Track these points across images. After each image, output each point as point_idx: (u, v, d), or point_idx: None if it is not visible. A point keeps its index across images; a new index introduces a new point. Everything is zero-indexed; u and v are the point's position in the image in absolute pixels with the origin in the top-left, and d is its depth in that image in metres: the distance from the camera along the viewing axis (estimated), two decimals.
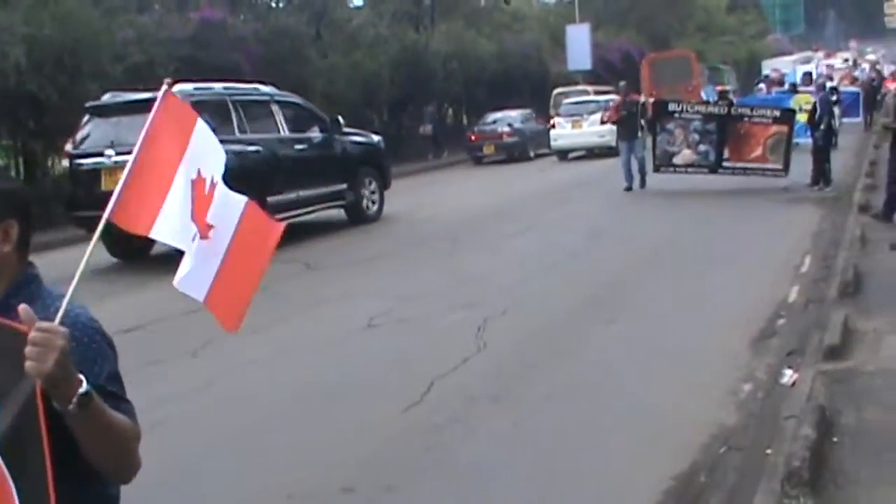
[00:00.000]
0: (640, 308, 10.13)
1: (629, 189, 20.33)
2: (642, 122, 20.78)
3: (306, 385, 7.95)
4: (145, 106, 10.36)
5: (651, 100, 22.15)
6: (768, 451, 5.79)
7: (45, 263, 2.61)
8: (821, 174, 18.97)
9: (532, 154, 33.70)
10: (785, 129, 19.22)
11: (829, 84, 27.65)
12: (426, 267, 13.35)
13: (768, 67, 59.53)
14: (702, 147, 19.71)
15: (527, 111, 36.11)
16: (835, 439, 5.85)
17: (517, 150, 33.25)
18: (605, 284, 11.42)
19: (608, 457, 6.12)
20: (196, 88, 15.07)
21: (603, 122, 27.94)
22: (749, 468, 5.74)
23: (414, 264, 13.76)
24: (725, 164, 19.66)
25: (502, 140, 33.21)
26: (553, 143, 32.41)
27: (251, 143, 15.64)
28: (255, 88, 17.27)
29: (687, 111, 20.14)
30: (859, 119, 31.00)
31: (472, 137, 34.28)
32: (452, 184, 25.78)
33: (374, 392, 7.67)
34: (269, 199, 15.06)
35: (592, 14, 56.68)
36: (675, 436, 6.36)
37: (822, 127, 19.07)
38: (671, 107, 20.43)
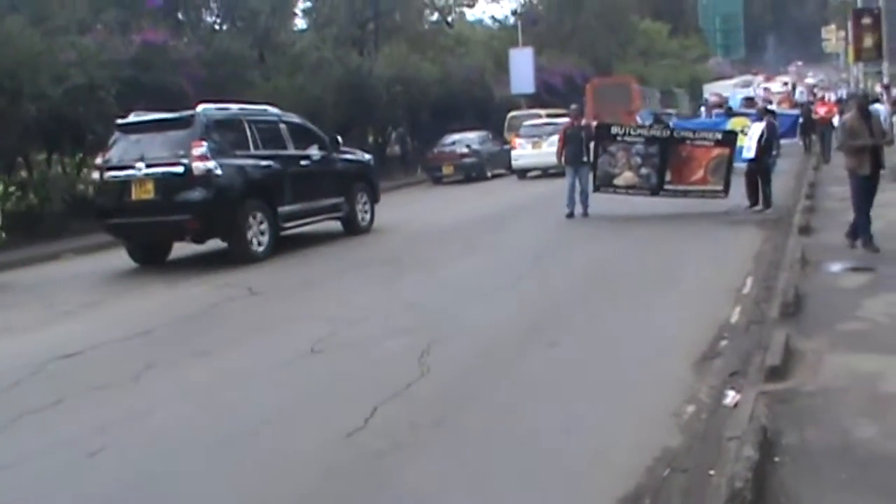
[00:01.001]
0: (583, 331, 10.13)
1: (571, 216, 20.13)
2: (589, 146, 20.57)
3: (248, 411, 7.85)
4: (170, 124, 15.61)
5: (594, 123, 22.19)
6: (711, 473, 5.81)
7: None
8: (758, 196, 19.18)
9: (489, 174, 35.46)
10: (727, 151, 19.27)
11: (768, 107, 27.98)
12: (370, 290, 13.27)
13: (709, 91, 60.22)
14: (643, 170, 19.72)
15: (484, 133, 37.50)
16: (777, 459, 5.89)
17: (475, 171, 35.15)
18: (548, 308, 11.42)
19: (552, 480, 6.10)
20: (217, 109, 16.92)
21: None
22: (693, 490, 5.74)
23: (358, 288, 13.68)
24: (667, 186, 19.71)
25: (461, 161, 35.10)
26: (514, 163, 34.12)
27: (264, 159, 17.15)
28: (265, 110, 18.60)
29: (629, 134, 20.16)
30: (796, 140, 31.38)
31: (432, 158, 36.17)
32: (406, 205, 25.67)
33: (316, 418, 7.60)
34: (280, 209, 17.19)
35: (535, 38, 57.13)
36: (619, 458, 6.35)
37: (773, 152, 19.28)
38: (613, 130, 20.45)
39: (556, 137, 23.76)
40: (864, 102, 13.87)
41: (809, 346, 8.36)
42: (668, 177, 19.65)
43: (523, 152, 33.49)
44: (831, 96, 51.76)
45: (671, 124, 24.35)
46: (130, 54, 25.63)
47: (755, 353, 8.31)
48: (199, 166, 15.66)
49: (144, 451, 7.06)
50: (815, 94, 46.56)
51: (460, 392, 8.06)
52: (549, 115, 38.36)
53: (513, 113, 41.67)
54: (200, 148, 15.73)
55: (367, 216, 20.45)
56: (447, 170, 35.25)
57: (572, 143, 20.49)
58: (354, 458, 6.61)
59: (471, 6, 63.74)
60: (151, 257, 17.35)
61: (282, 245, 17.72)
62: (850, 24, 51.71)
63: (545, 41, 60.27)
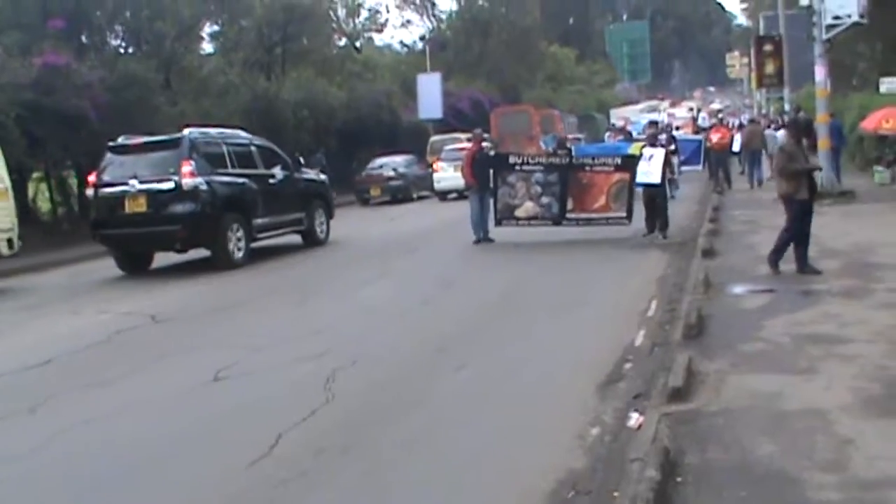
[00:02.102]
0: (489, 355, 10.13)
1: (478, 242, 19.99)
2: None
3: (149, 442, 7.72)
4: (159, 145, 17.97)
5: (492, 152, 22.12)
6: (615, 494, 5.86)
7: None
8: (654, 223, 18.98)
9: (415, 195, 36.90)
10: (627, 176, 18.99)
11: (673, 133, 28.37)
12: (276, 316, 13.18)
13: (616, 116, 61.11)
14: (544, 199, 19.51)
15: (410, 157, 39.02)
16: (679, 479, 5.95)
17: (401, 192, 36.66)
18: (454, 332, 11.40)
19: None
20: (200, 132, 19.08)
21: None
22: None
23: (265, 313, 13.58)
24: (569, 215, 19.49)
25: (388, 183, 36.69)
26: (436, 185, 35.24)
27: (240, 176, 19.25)
28: (238, 133, 21.00)
29: (528, 163, 19.95)
30: (699, 167, 31.63)
31: (360, 180, 37.58)
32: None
33: (219, 447, 7.51)
34: (255, 221, 19.34)
35: (443, 63, 57.38)
36: (523, 481, 6.36)
37: (671, 176, 19.36)
38: (512, 159, 20.24)
39: None
40: (798, 127, 14.01)
41: (712, 367, 8.47)
42: (569, 205, 19.43)
43: (445, 175, 34.21)
44: (734, 122, 52.62)
45: (573, 150, 24.33)
46: (31, 77, 25.23)
47: (658, 375, 8.40)
48: (188, 182, 17.68)
49: (40, 485, 6.91)
50: (720, 120, 47.21)
51: (366, 418, 8.01)
52: (468, 140, 38.46)
53: (434, 137, 42.60)
54: (189, 166, 17.76)
55: (324, 230, 22.57)
56: (375, 191, 36.75)
57: (478, 168, 20.33)
58: (257, 487, 6.53)
59: (379, 31, 63.99)
60: (137, 266, 19.22)
61: (189, 272, 17.57)
62: (752, 51, 52.84)
63: (453, 66, 60.63)
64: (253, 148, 20.52)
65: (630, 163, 19.11)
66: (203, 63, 40.10)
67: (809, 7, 23.50)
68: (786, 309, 10.92)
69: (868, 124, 26.05)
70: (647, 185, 18.82)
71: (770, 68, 42.43)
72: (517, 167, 19.75)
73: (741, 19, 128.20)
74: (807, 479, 5.82)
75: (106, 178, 18.46)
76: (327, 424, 7.81)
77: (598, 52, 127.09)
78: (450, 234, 20.47)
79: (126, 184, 17.95)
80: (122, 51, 35.84)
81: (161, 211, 17.79)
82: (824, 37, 23.25)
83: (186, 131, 18.58)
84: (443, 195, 34.97)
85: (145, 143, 18.81)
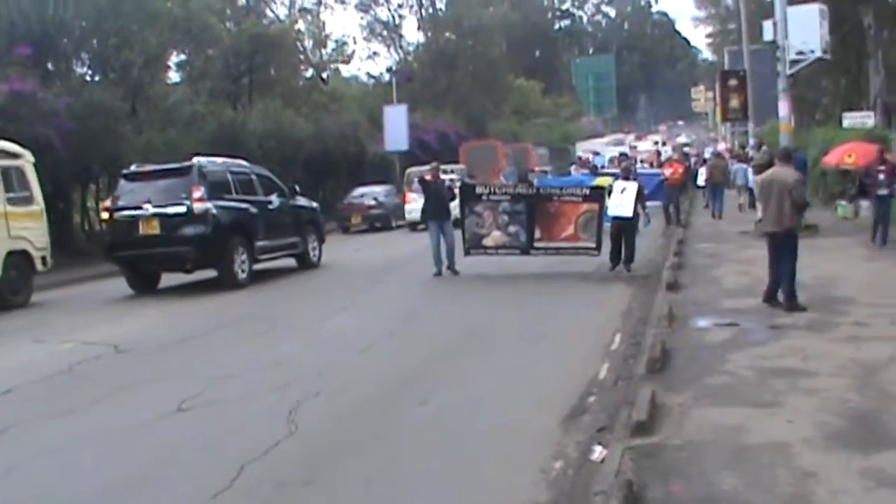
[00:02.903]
0: (453, 388, 10.10)
1: (439, 274, 19.91)
2: (449, 203, 20.43)
3: (109, 472, 7.64)
4: (171, 173, 19.50)
5: (458, 183, 22.07)
6: None
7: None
8: (619, 257, 18.79)
9: (394, 224, 37.91)
10: (595, 207, 18.91)
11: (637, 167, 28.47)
12: (240, 348, 13.09)
13: (581, 149, 61.61)
14: (512, 228, 19.43)
15: (389, 187, 40.37)
16: None
17: (380, 221, 37.97)
18: (418, 365, 11.36)
19: None
20: (208, 161, 20.52)
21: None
22: None
23: (228, 345, 13.48)
24: (537, 244, 19.43)
25: (368, 212, 38.10)
26: (407, 216, 35.81)
27: (243, 202, 20.64)
28: (240, 163, 22.31)
29: (495, 193, 19.93)
30: (661, 202, 31.73)
31: (342, 208, 38.75)
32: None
33: (181, 478, 7.43)
34: (257, 243, 20.70)
35: (410, 95, 57.48)
36: None
37: (643, 209, 19.18)
38: (478, 189, 20.24)
39: None
40: (783, 159, 13.97)
41: (676, 400, 8.48)
42: (537, 234, 19.38)
43: (415, 206, 34.04)
44: (707, 152, 52.98)
45: (536, 183, 24.24)
46: None
47: (622, 408, 8.39)
48: (198, 207, 19.02)
49: None
50: (685, 154, 47.52)
51: (329, 450, 7.97)
52: (444, 172, 39.01)
53: (412, 168, 42.71)
54: (199, 192, 19.11)
55: (317, 253, 24.01)
56: (355, 220, 37.96)
57: (434, 199, 20.36)
58: None
59: (346, 63, 64.06)
60: (146, 285, 20.44)
61: (154, 302, 17.48)
62: (717, 86, 53.28)
63: (420, 98, 60.72)
64: (253, 176, 21.95)
65: (598, 194, 19.04)
66: (169, 92, 40.02)
67: (773, 42, 23.70)
68: (750, 342, 10.98)
69: (830, 159, 26.25)
70: (618, 219, 18.68)
71: (735, 103, 42.79)
72: (484, 197, 19.73)
73: (706, 54, 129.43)
74: None
75: (121, 202, 19.71)
76: (290, 457, 7.76)
77: (565, 86, 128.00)
78: (417, 265, 20.37)
79: (140, 208, 19.24)
80: (88, 78, 35.67)
81: (173, 233, 19.04)
82: (788, 72, 23.47)
83: (195, 160, 19.92)
84: (413, 226, 35.14)
85: (157, 171, 20.21)
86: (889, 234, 18.99)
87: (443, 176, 30.31)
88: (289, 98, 47.14)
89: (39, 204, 20.33)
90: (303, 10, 57.77)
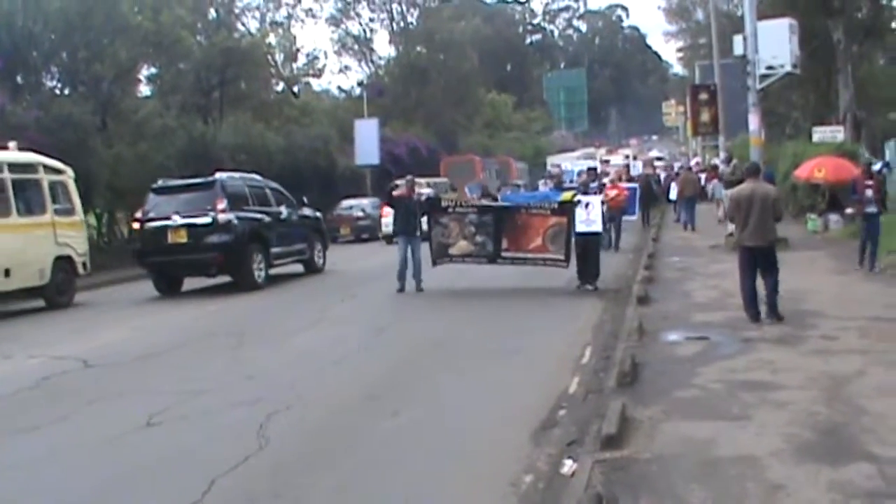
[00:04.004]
0: (424, 401, 10.10)
1: (401, 290, 19.71)
2: (420, 219, 20.29)
3: (78, 488, 7.59)
4: (196, 186, 21.87)
5: (423, 197, 21.94)
6: None
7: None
8: (587, 273, 18.66)
9: (380, 235, 37.95)
10: (564, 220, 18.71)
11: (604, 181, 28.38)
12: (210, 361, 13.02)
13: (551, 163, 61.94)
14: (479, 238, 19.35)
15: (375, 199, 40.51)
16: None
17: (367, 232, 39.12)
18: (389, 378, 11.36)
19: None
20: (228, 176, 22.84)
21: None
22: None
23: (198, 359, 13.40)
24: (504, 253, 19.32)
25: (356, 223, 39.43)
26: (384, 229, 35.91)
27: (259, 213, 22.76)
28: (255, 178, 24.57)
29: (461, 206, 19.98)
30: (635, 217, 31.83)
31: (331, 220, 38.44)
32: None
33: (150, 493, 7.40)
34: (272, 250, 22.83)
35: (381, 109, 57.50)
36: None
37: (608, 226, 19.11)
38: (444, 203, 20.29)
39: None
40: (753, 174, 14.02)
41: (646, 414, 8.51)
42: (504, 244, 19.27)
43: (391, 220, 33.98)
44: (678, 166, 53.20)
45: (500, 198, 23.98)
46: None
47: (592, 421, 8.42)
48: (222, 217, 21.11)
49: None
50: (653, 167, 47.69)
51: (299, 464, 7.95)
52: (427, 185, 40.90)
53: (396, 181, 42.83)
54: (223, 203, 21.21)
55: (322, 259, 26.15)
56: (344, 230, 39.07)
57: (404, 214, 20.18)
58: None
59: (317, 76, 63.94)
60: (171, 289, 22.41)
61: (123, 315, 17.40)
62: (688, 100, 53.49)
63: (391, 112, 60.74)
64: (267, 189, 24.18)
65: (567, 208, 18.79)
66: (140, 106, 39.83)
67: (744, 57, 23.84)
68: (720, 356, 11.04)
69: (801, 173, 26.41)
70: (587, 234, 18.60)
71: (705, 116, 42.91)
72: (450, 209, 19.74)
73: (677, 68, 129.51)
74: None
75: (150, 214, 21.67)
76: (260, 470, 7.75)
77: (536, 100, 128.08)
78: (390, 278, 20.25)
79: (169, 218, 21.20)
80: (58, 92, 35.50)
81: (199, 241, 21.07)
82: (758, 86, 23.62)
83: (218, 175, 22.23)
84: (388, 238, 34.72)
85: (183, 185, 22.31)
86: (878, 256, 18.38)
87: (418, 190, 30.44)
88: (260, 111, 47.03)
89: (80, 214, 22.64)
90: (274, 23, 57.53)
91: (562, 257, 18.92)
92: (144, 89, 44.91)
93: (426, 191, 35.41)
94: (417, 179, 42.51)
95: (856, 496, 6.29)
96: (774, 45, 23.80)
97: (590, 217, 18.62)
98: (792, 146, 34.56)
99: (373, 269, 25.33)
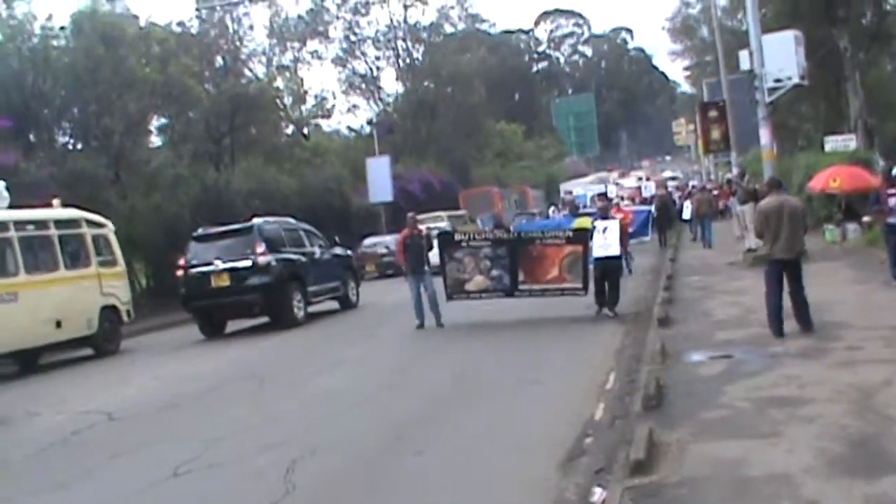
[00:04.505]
0: (448, 438, 10.05)
1: (421, 327, 19.62)
2: (429, 255, 20.09)
3: None
4: (235, 232, 23.12)
5: (435, 232, 21.77)
6: None
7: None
8: (605, 297, 18.34)
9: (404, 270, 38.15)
10: (580, 248, 18.56)
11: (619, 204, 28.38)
12: (233, 408, 12.98)
13: (565, 190, 62.30)
14: (494, 272, 19.19)
15: (397, 235, 39.46)
16: None
17: (392, 268, 37.39)
18: (412, 417, 11.27)
19: None
20: (265, 221, 23.97)
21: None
22: None
23: (222, 406, 13.36)
24: (522, 286, 19.14)
25: (381, 259, 39.37)
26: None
27: (296, 254, 23.95)
28: (289, 221, 25.85)
29: (474, 239, 19.77)
30: (648, 238, 31.83)
31: (357, 258, 38.50)
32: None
33: None
34: (309, 288, 23.88)
35: (392, 146, 57.65)
36: None
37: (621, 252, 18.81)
38: (457, 237, 20.11)
39: None
40: (776, 187, 13.99)
41: (673, 437, 8.41)
42: (520, 276, 19.10)
43: None
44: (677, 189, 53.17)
45: (513, 228, 23.69)
46: None
47: (620, 448, 8.33)
48: (262, 260, 22.21)
49: None
50: (665, 188, 47.67)
51: None
52: (449, 218, 43.57)
53: (414, 215, 43.28)
54: (261, 247, 22.36)
55: (355, 295, 27.18)
56: (370, 268, 39.10)
57: (413, 252, 20.00)
58: None
59: (326, 117, 64.10)
60: (215, 332, 23.26)
61: (142, 369, 17.42)
62: (697, 118, 53.45)
63: (402, 148, 60.83)
64: (301, 231, 25.48)
65: (581, 236, 18.64)
66: (152, 156, 40.02)
67: (750, 72, 23.81)
68: (745, 373, 10.93)
69: (815, 184, 26.28)
70: (606, 259, 18.26)
71: (716, 133, 42.77)
72: (463, 244, 19.59)
73: (685, 87, 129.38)
74: None
75: (193, 261, 22.75)
76: None
77: (545, 127, 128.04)
78: (409, 314, 20.13)
79: (211, 264, 22.29)
80: (70, 147, 35.72)
81: (241, 284, 22.09)
82: (767, 100, 23.58)
83: (255, 220, 23.47)
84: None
85: (222, 232, 23.31)
86: None
87: (432, 224, 30.54)
88: (271, 155, 47.22)
89: (121, 265, 23.86)
90: (280, 67, 57.88)
91: (580, 285, 18.75)
92: (155, 140, 45.28)
93: (442, 224, 35.47)
94: (437, 213, 43.37)
95: None
96: (781, 57, 23.75)
97: (607, 241, 18.30)
98: (804, 158, 34.45)
99: (401, 302, 25.31)
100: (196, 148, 42.66)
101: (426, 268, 19.93)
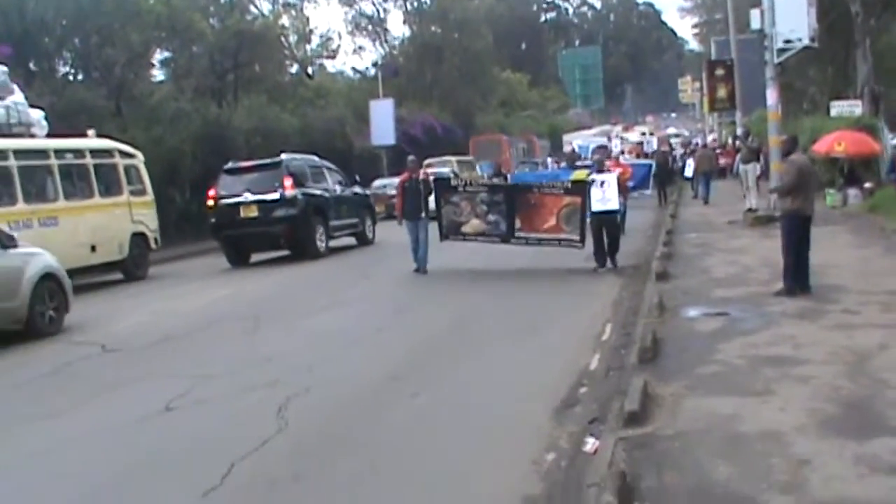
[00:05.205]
0: (444, 381, 10.06)
1: (418, 271, 19.47)
2: (427, 200, 19.89)
3: (99, 474, 7.56)
4: (264, 167, 24.49)
5: (432, 177, 21.60)
6: None
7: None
8: (605, 254, 18.09)
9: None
10: (578, 200, 18.23)
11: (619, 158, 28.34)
12: (227, 345, 12.99)
13: (568, 141, 62.18)
14: (491, 217, 19.05)
15: None
16: None
17: None
18: (408, 359, 11.31)
19: None
20: (291, 157, 25.11)
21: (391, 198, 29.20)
22: None
23: (214, 343, 13.38)
24: (518, 233, 18.94)
25: (389, 201, 38.16)
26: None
27: (318, 189, 24.93)
28: (313, 158, 26.94)
29: (471, 184, 19.83)
30: (649, 192, 31.81)
31: None
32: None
33: (171, 477, 7.37)
34: (331, 223, 24.99)
35: (396, 89, 57.33)
36: None
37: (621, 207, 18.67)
38: (453, 182, 20.19)
39: None
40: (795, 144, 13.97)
41: (667, 390, 8.43)
42: (517, 223, 18.88)
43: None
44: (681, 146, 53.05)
45: (511, 178, 23.70)
46: None
47: (614, 399, 8.36)
48: (289, 193, 23.23)
49: None
50: (670, 145, 47.53)
51: (320, 446, 7.92)
52: (458, 163, 43.92)
53: (428, 160, 43.54)
54: (289, 181, 23.37)
55: (372, 233, 28.14)
56: (379, 208, 37.69)
57: (411, 197, 19.80)
58: None
59: (332, 57, 63.74)
60: (241, 261, 24.34)
61: (139, 300, 17.43)
62: (704, 76, 53.22)
63: (406, 92, 60.55)
64: (324, 168, 26.50)
65: (580, 188, 18.32)
66: (154, 90, 39.84)
67: (760, 31, 23.64)
68: (741, 331, 10.94)
69: (820, 147, 26.23)
70: (604, 213, 18.00)
71: (722, 92, 42.80)
72: (460, 188, 19.60)
73: (693, 44, 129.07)
74: (765, 501, 5.80)
75: (223, 192, 23.73)
76: (280, 453, 7.71)
77: (551, 78, 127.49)
78: (406, 258, 20.08)
79: (240, 195, 23.29)
80: (71, 77, 35.51)
81: (269, 215, 23.18)
82: (776, 60, 23.40)
83: (283, 156, 24.49)
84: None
85: (252, 166, 24.51)
86: None
87: (440, 169, 30.59)
88: (274, 94, 46.88)
89: (150, 194, 24.62)
90: (287, 4, 57.31)
91: (577, 238, 18.46)
92: (158, 74, 44.97)
93: (446, 170, 35.42)
94: (446, 158, 43.49)
95: (882, 470, 6.21)
96: (792, 18, 23.52)
97: (605, 195, 18.03)
98: (809, 121, 34.32)
99: (398, 245, 25.41)
100: (199, 83, 42.41)
101: (423, 213, 19.74)
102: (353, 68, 75.73)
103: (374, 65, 68.08)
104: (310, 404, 9.20)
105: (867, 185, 26.41)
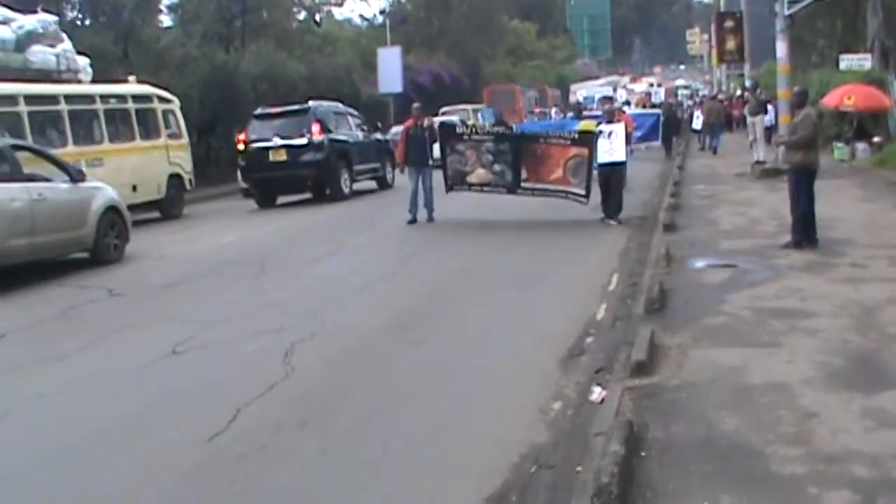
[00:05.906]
0: (450, 329, 10.06)
1: (413, 222, 19.27)
2: (432, 147, 19.94)
3: (104, 417, 7.57)
4: (292, 112, 26.06)
5: (437, 122, 21.54)
6: (578, 469, 5.79)
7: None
8: (610, 205, 17.98)
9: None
10: (585, 151, 17.94)
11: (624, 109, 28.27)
12: (232, 291, 12.98)
13: (576, 91, 62.18)
14: (497, 167, 18.86)
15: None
16: (643, 454, 5.88)
17: None
18: (414, 307, 11.31)
19: (419, 480, 6.00)
20: (318, 104, 26.41)
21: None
22: (560, 486, 5.71)
23: (220, 288, 13.40)
24: (524, 184, 18.80)
25: None
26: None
27: (343, 135, 26.15)
28: (338, 106, 28.18)
29: (476, 133, 19.49)
30: (657, 141, 31.67)
31: None
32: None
33: (176, 421, 7.37)
34: (354, 167, 26.33)
35: (404, 37, 57.09)
36: (485, 456, 6.27)
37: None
38: (459, 129, 19.76)
39: None
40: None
41: (674, 341, 8.42)
42: (523, 174, 18.70)
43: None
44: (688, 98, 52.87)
45: (514, 127, 23.18)
46: None
47: (621, 348, 8.35)
48: (316, 138, 24.47)
49: None
50: (674, 95, 47.25)
51: (325, 392, 7.92)
52: (473, 111, 44.93)
53: (444, 108, 44.43)
54: (317, 126, 24.60)
55: (392, 178, 28.61)
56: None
57: (415, 144, 19.68)
58: (215, 462, 6.42)
59: (339, 5, 63.49)
60: (268, 203, 25.49)
61: (145, 245, 17.46)
62: (713, 28, 52.91)
63: (413, 40, 60.32)
64: (348, 116, 27.76)
65: (587, 139, 17.99)
66: (161, 35, 39.64)
67: None
68: (748, 283, 10.93)
69: (830, 101, 26.10)
70: (608, 165, 17.90)
71: (731, 44, 42.57)
72: (465, 136, 19.26)
73: None
74: (771, 452, 5.78)
75: (253, 136, 24.98)
76: (286, 399, 7.72)
77: (559, 28, 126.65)
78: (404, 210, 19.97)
79: (269, 140, 24.61)
80: (79, 23, 35.30)
81: (297, 159, 24.41)
82: (786, 12, 23.21)
83: (311, 103, 25.91)
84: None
85: (281, 112, 25.67)
86: None
87: (443, 118, 30.56)
88: (282, 40, 46.67)
89: (185, 137, 25.89)
90: None
91: (583, 192, 18.24)
92: (165, 19, 44.76)
93: (454, 118, 35.21)
94: (462, 106, 43.70)
95: (889, 424, 6.19)
96: None
97: (613, 147, 17.89)
98: (818, 74, 34.13)
99: (383, 198, 25.54)
100: (206, 29, 42.26)
101: (429, 161, 19.74)
102: (361, 16, 75.40)
103: (382, 12, 67.78)
104: (315, 350, 9.20)
105: (876, 139, 26.30)
